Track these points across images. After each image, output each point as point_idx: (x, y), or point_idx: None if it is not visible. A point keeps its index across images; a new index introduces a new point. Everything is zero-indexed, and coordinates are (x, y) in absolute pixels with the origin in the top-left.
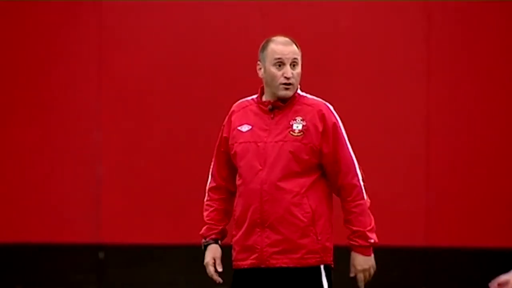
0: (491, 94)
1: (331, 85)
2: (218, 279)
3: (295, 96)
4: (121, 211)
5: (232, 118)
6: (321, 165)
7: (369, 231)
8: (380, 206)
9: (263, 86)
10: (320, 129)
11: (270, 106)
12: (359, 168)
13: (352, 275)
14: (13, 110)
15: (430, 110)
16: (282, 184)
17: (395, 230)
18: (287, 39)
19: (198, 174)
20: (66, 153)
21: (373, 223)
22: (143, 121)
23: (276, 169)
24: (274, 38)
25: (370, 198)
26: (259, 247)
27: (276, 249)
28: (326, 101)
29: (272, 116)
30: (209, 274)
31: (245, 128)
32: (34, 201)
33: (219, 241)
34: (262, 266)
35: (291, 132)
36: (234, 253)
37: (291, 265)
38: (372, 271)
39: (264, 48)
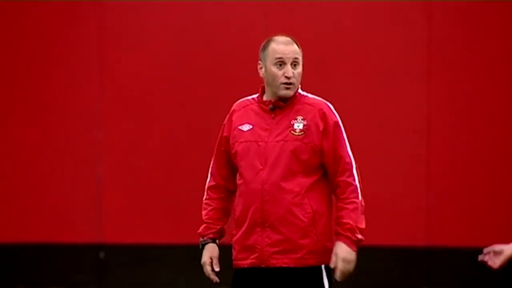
0: (491, 94)
1: (332, 85)
2: (215, 279)
3: (296, 95)
4: (122, 211)
5: (233, 118)
6: (323, 165)
7: (359, 228)
8: (381, 206)
9: (263, 86)
10: (321, 128)
11: (271, 106)
12: (357, 169)
13: (332, 265)
14: (14, 110)
15: (431, 110)
16: (283, 184)
17: (395, 230)
18: (288, 38)
19: (199, 174)
20: (66, 153)
21: (364, 224)
22: (144, 121)
23: (277, 169)
24: (275, 37)
25: (370, 198)
26: (259, 246)
27: (276, 249)
28: (327, 100)
29: (273, 115)
30: (206, 274)
31: (246, 127)
32: (35, 201)
33: (217, 241)
34: (262, 266)
35: (292, 132)
36: (234, 253)
37: (291, 265)
38: (352, 266)
39: (265, 47)
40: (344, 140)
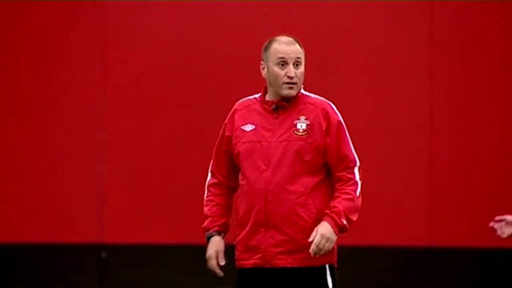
0: (494, 93)
1: (333, 85)
2: (220, 273)
3: (298, 95)
4: (124, 211)
5: (235, 117)
6: (326, 164)
7: (346, 215)
8: (382, 206)
9: (266, 86)
10: (324, 127)
11: (274, 106)
12: (360, 169)
13: (310, 239)
14: (15, 111)
15: (433, 110)
16: (287, 185)
17: (397, 230)
18: (290, 38)
19: (200, 174)
20: (68, 153)
21: (354, 216)
22: (145, 121)
23: (281, 169)
24: (277, 37)
25: (372, 198)
26: (263, 247)
27: (280, 249)
28: (329, 100)
29: (276, 116)
30: (211, 268)
31: (248, 127)
32: (36, 201)
33: (222, 234)
34: (266, 266)
35: (295, 132)
36: (237, 253)
37: (295, 265)
38: (328, 246)
39: (267, 47)
40: (347, 139)
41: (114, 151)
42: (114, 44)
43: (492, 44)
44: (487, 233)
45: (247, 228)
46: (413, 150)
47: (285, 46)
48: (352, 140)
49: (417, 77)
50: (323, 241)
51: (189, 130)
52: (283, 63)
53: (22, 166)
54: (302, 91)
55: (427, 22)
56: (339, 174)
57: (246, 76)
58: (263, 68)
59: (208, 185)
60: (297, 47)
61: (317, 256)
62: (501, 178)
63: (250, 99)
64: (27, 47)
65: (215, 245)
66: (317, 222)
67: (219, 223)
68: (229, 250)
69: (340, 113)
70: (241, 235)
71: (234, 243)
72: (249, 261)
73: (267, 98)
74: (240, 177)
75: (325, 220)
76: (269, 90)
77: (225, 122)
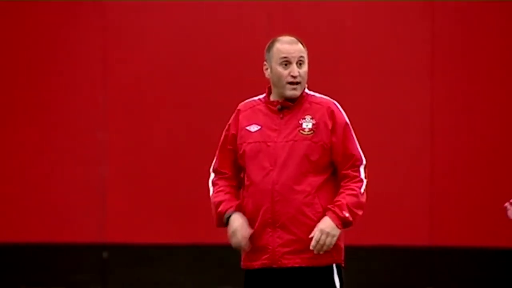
0: (494, 94)
1: (334, 85)
2: (248, 245)
3: (303, 95)
4: (125, 211)
5: (240, 117)
6: (332, 162)
7: (349, 208)
8: (384, 206)
9: (270, 86)
10: (330, 126)
11: (279, 106)
12: (366, 168)
13: (311, 235)
14: (15, 111)
15: (434, 110)
16: (294, 184)
17: (398, 230)
18: (292, 38)
19: (201, 174)
20: (69, 153)
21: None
22: (146, 121)
23: (288, 169)
24: (280, 38)
25: (374, 197)
26: (270, 247)
27: (288, 249)
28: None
29: (281, 116)
30: (237, 242)
31: (253, 128)
32: (37, 201)
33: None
34: (274, 266)
35: (301, 131)
36: (244, 254)
37: (303, 265)
38: (329, 241)
39: (270, 48)
40: (353, 138)
41: (114, 151)
42: (114, 44)
43: (493, 45)
44: (488, 233)
45: (254, 229)
46: (414, 150)
47: (287, 45)
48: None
49: (418, 77)
50: (323, 236)
51: (189, 130)
52: (286, 62)
53: (22, 166)
54: (307, 90)
55: (428, 22)
56: (345, 172)
57: (246, 76)
58: (266, 69)
59: (213, 181)
60: (299, 46)
61: (321, 253)
62: (502, 178)
63: (254, 100)
64: (27, 47)
65: (237, 219)
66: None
67: (233, 204)
68: (232, 251)
69: None
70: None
71: None
72: (257, 262)
73: (271, 98)
74: (245, 178)
75: (326, 214)
76: (273, 90)
77: (228, 122)
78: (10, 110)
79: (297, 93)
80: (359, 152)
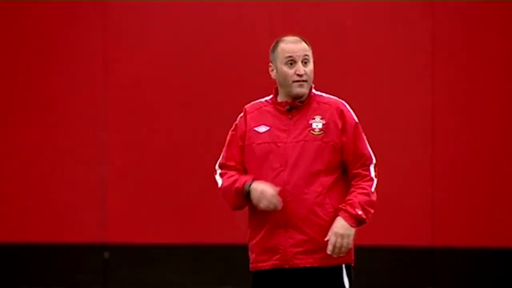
0: (495, 94)
1: (335, 85)
2: (280, 201)
3: (311, 95)
4: (126, 211)
5: (247, 118)
6: (342, 162)
7: (361, 205)
8: (385, 206)
9: (277, 87)
10: (340, 126)
11: (287, 107)
12: (376, 167)
13: (326, 238)
14: (16, 111)
15: (435, 110)
16: (305, 185)
17: (399, 230)
18: (296, 37)
19: (202, 174)
20: (71, 153)
21: (371, 209)
22: (148, 121)
23: (299, 169)
24: (284, 38)
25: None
26: (282, 247)
27: (300, 249)
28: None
29: (290, 116)
30: (269, 198)
31: (262, 129)
32: (37, 201)
33: None
34: (286, 266)
35: (311, 132)
36: (253, 255)
37: (315, 265)
38: (346, 242)
39: (275, 48)
40: (363, 137)
41: (116, 151)
42: (115, 44)
43: (493, 44)
44: (489, 233)
45: (264, 230)
46: (415, 150)
47: (291, 45)
48: None
49: (419, 77)
50: (338, 239)
51: (190, 130)
52: (291, 62)
53: (22, 166)
54: (314, 90)
55: (428, 22)
56: (355, 171)
57: (247, 76)
58: (272, 70)
59: (221, 173)
60: (303, 45)
61: (340, 255)
62: (503, 178)
63: (260, 102)
64: (27, 47)
65: (260, 183)
66: (334, 220)
67: (249, 177)
68: (232, 252)
69: None
70: (258, 238)
71: (248, 245)
72: (268, 263)
73: (279, 99)
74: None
75: (339, 215)
76: (280, 91)
77: (235, 123)
78: (10, 110)
79: (304, 90)
80: (369, 151)
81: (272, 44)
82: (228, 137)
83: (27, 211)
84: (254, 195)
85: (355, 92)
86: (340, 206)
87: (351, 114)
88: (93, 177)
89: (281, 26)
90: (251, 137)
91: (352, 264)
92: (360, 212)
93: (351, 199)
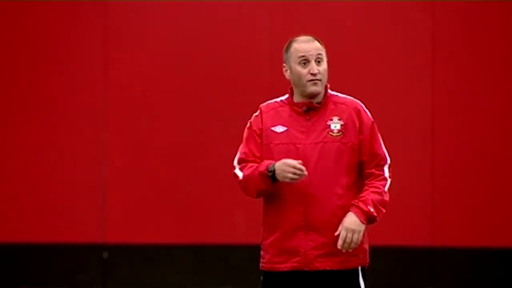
0: (495, 93)
1: (335, 85)
2: (304, 169)
3: (327, 96)
4: (126, 211)
5: (263, 117)
6: (359, 163)
7: (374, 203)
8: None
9: (291, 87)
10: (357, 126)
11: (305, 108)
12: (390, 167)
13: (336, 233)
14: (16, 111)
15: (435, 110)
16: (327, 187)
17: (399, 230)
18: (309, 37)
19: (202, 174)
20: (70, 153)
21: (383, 208)
22: (149, 121)
23: (320, 171)
24: (296, 38)
25: None
26: (302, 250)
27: (320, 252)
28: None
29: (307, 117)
30: (294, 166)
31: (279, 129)
32: (38, 201)
33: None
34: (306, 269)
35: (330, 133)
36: (267, 256)
37: (334, 268)
38: (356, 237)
39: (288, 48)
40: (379, 137)
41: (117, 151)
42: (115, 44)
43: (493, 44)
44: (489, 233)
45: (280, 231)
46: (415, 150)
47: (304, 44)
48: None
49: (419, 77)
50: (349, 234)
51: (190, 130)
52: (304, 61)
53: (22, 166)
54: (330, 91)
55: (428, 22)
56: (369, 171)
57: (247, 76)
58: (286, 70)
59: (240, 167)
60: (316, 44)
61: (349, 251)
62: (503, 178)
63: (276, 102)
64: (27, 47)
65: (283, 160)
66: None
67: (271, 161)
68: (232, 252)
69: None
70: (272, 238)
71: (261, 245)
72: (286, 264)
73: (295, 99)
74: None
75: (351, 210)
76: (295, 91)
77: (249, 121)
78: (10, 110)
79: (319, 88)
80: (384, 151)
81: (286, 45)
82: (244, 135)
83: (27, 211)
84: (279, 169)
85: (355, 92)
86: (352, 202)
87: (367, 114)
88: (93, 177)
89: (281, 26)
90: (268, 136)
91: (367, 266)
92: (372, 210)
93: (364, 196)
